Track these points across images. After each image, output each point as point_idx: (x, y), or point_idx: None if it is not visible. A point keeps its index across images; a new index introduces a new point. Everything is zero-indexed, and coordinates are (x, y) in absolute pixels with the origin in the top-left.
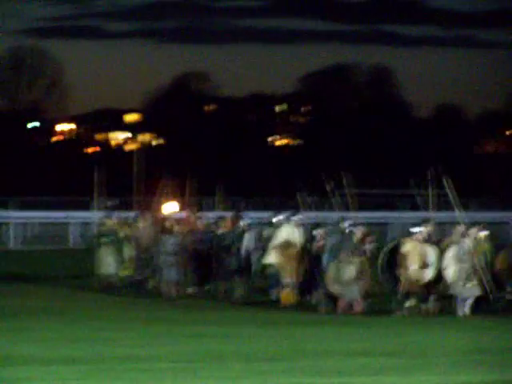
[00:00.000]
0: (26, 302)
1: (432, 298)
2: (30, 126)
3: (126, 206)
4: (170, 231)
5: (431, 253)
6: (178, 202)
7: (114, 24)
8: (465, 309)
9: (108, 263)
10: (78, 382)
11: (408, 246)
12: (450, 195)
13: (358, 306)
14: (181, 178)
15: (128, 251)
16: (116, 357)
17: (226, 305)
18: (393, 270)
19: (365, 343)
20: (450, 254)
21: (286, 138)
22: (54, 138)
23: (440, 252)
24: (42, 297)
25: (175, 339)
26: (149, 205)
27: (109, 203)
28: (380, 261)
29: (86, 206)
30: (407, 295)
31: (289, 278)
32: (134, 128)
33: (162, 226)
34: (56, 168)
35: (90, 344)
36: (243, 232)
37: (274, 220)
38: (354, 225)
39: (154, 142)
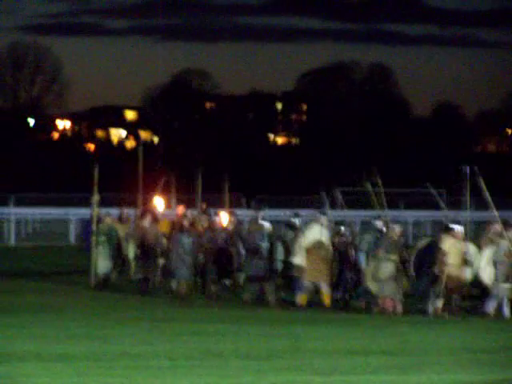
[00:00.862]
0: (25, 298)
1: (456, 297)
2: (28, 122)
3: (125, 203)
4: (187, 230)
5: (471, 251)
6: (164, 198)
7: (114, 21)
8: (504, 309)
9: (104, 262)
10: (75, 379)
11: (448, 243)
12: (486, 195)
13: (398, 306)
14: (186, 176)
15: (131, 249)
16: (113, 354)
17: (226, 303)
18: (425, 267)
19: (363, 342)
20: (489, 253)
21: (285, 136)
22: (53, 135)
23: (477, 251)
24: (41, 293)
25: (173, 337)
26: (150, 202)
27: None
28: (413, 258)
29: (86, 203)
30: (444, 293)
31: (310, 281)
32: (133, 125)
33: (180, 225)
34: (55, 164)
35: (88, 341)
36: (270, 233)
37: (296, 221)
38: (391, 222)
39: (151, 139)
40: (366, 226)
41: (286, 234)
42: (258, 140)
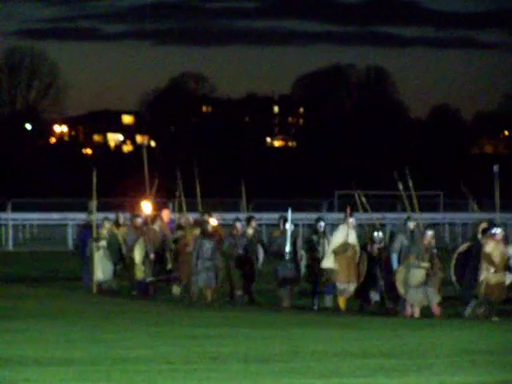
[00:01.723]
0: (23, 303)
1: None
2: (25, 127)
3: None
4: (209, 235)
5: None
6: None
7: (110, 26)
8: None
9: (105, 267)
10: (74, 383)
11: (491, 247)
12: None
13: (437, 310)
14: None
15: (138, 253)
16: (113, 358)
17: (226, 306)
18: (465, 271)
19: (362, 344)
20: None
21: (282, 139)
22: (50, 139)
23: None
24: (40, 298)
25: (172, 340)
26: (163, 207)
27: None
28: (454, 262)
29: (84, 208)
30: (486, 299)
31: (343, 283)
32: (131, 129)
33: (202, 230)
34: (53, 169)
35: (87, 345)
36: (295, 237)
37: (321, 224)
38: (426, 227)
39: (148, 143)
40: (396, 227)
41: (311, 239)
42: (254, 143)
